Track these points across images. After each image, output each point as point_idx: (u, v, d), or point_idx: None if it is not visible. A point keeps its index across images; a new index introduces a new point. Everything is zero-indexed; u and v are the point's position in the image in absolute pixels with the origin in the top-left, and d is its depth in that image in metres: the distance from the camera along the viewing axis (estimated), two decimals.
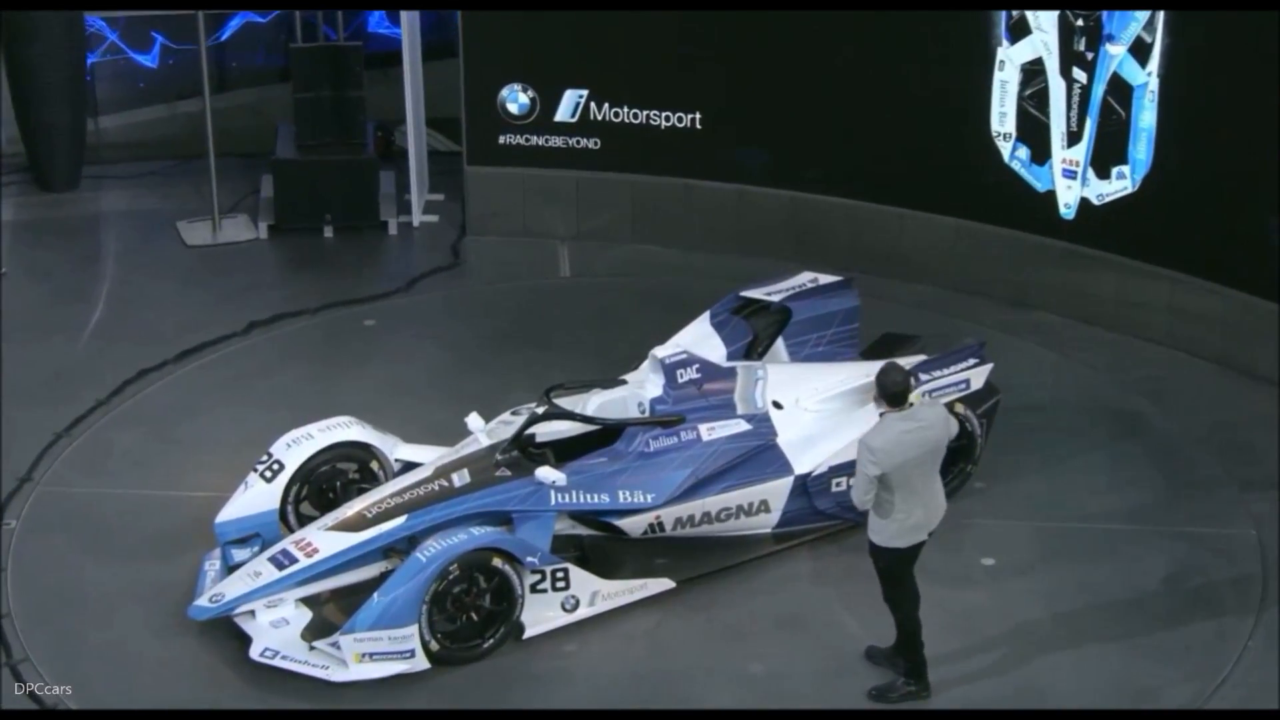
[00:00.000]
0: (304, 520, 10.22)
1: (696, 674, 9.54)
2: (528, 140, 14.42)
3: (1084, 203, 12.94)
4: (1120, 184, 12.73)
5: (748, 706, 9.30)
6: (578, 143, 14.38)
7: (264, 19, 16.34)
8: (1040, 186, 13.11)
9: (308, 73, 14.84)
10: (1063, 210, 13.06)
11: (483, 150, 14.50)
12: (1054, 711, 9.28)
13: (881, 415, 9.03)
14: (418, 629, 9.32)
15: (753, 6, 13.53)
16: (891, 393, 8.98)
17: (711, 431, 10.36)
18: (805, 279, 11.73)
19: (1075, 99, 12.75)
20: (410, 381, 12.41)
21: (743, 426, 10.46)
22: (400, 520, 9.78)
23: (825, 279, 11.72)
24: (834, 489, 10.38)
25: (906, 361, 10.32)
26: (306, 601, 9.70)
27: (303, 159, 14.74)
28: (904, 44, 13.25)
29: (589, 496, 10.01)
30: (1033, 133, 13.01)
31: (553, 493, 9.92)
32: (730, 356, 11.11)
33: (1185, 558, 10.47)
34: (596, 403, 10.51)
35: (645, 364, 10.69)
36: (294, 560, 9.67)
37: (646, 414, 10.41)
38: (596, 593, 9.86)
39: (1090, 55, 12.58)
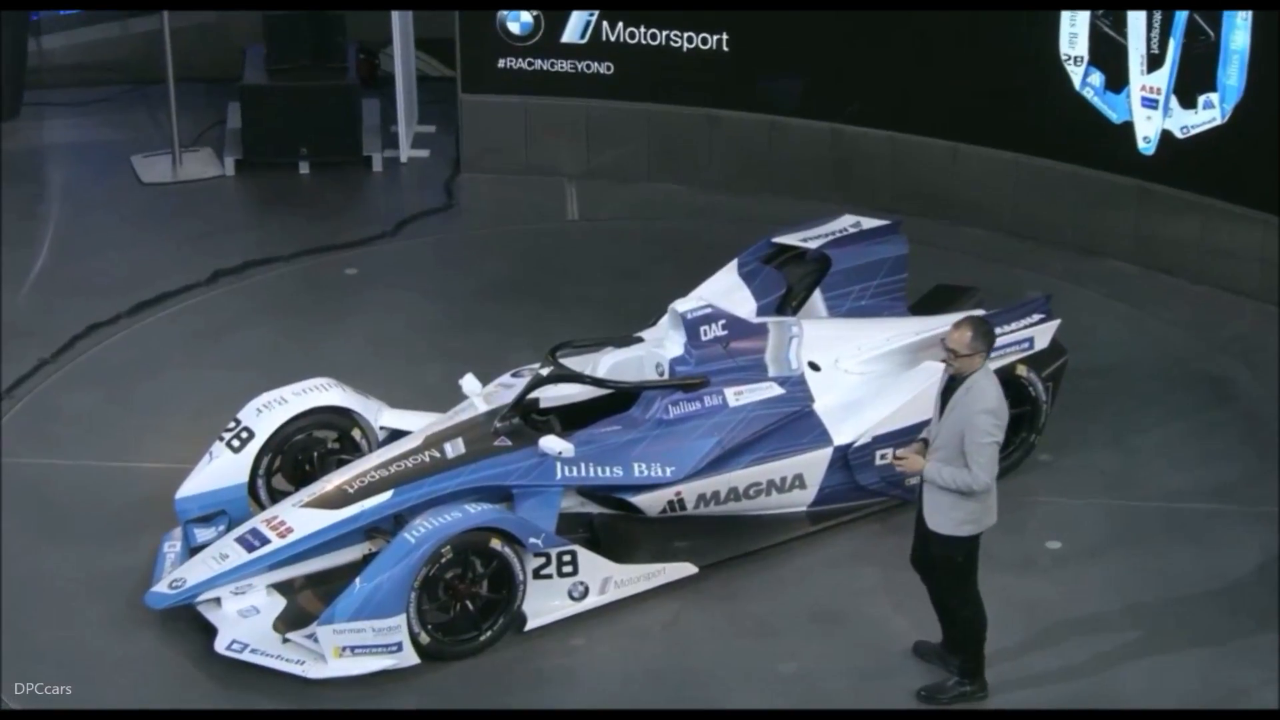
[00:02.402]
0: (276, 496, 10.25)
1: (719, 673, 9.55)
2: (531, 64, 14.40)
3: (1165, 136, 12.91)
4: (1208, 114, 12.69)
5: (777, 709, 9.33)
6: (588, 67, 14.36)
7: None
8: (1116, 117, 13.07)
9: None
10: (1141, 144, 13.02)
11: (480, 76, 14.49)
12: (1126, 712, 9.30)
13: (968, 375, 8.89)
14: (405, 619, 9.34)
15: None
16: (991, 343, 8.97)
17: (739, 396, 10.36)
18: (846, 223, 11.73)
19: (1157, 17, 12.69)
20: (397, 338, 12.43)
21: (775, 390, 10.46)
22: (386, 496, 9.79)
23: (869, 223, 11.72)
24: (878, 462, 10.39)
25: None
26: (279, 588, 9.73)
27: (275, 85, 14.74)
28: None
29: (600, 470, 10.02)
30: (1108, 56, 12.96)
31: (559, 465, 9.93)
32: (761, 311, 11.11)
33: (1277, 542, 10.46)
34: (609, 363, 10.52)
35: (664, 319, 10.70)
36: (265, 541, 9.69)
37: (665, 376, 10.42)
38: (608, 579, 9.89)
39: None
